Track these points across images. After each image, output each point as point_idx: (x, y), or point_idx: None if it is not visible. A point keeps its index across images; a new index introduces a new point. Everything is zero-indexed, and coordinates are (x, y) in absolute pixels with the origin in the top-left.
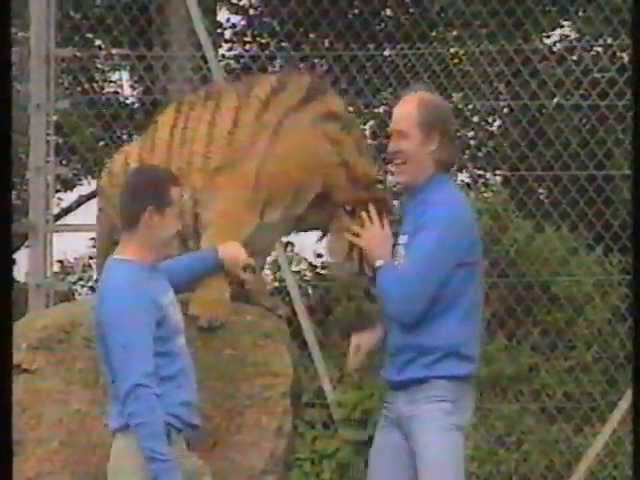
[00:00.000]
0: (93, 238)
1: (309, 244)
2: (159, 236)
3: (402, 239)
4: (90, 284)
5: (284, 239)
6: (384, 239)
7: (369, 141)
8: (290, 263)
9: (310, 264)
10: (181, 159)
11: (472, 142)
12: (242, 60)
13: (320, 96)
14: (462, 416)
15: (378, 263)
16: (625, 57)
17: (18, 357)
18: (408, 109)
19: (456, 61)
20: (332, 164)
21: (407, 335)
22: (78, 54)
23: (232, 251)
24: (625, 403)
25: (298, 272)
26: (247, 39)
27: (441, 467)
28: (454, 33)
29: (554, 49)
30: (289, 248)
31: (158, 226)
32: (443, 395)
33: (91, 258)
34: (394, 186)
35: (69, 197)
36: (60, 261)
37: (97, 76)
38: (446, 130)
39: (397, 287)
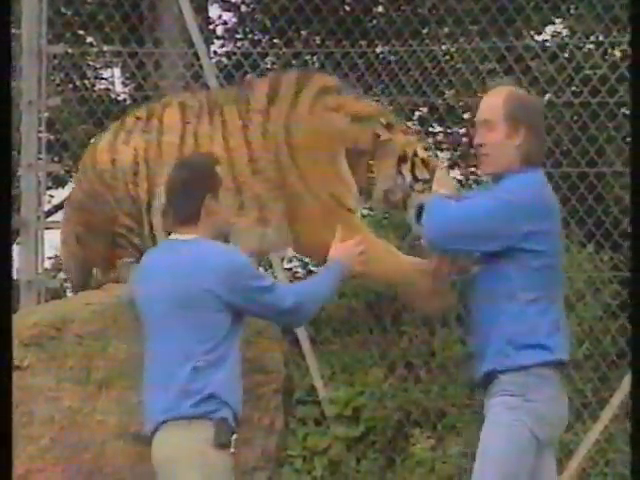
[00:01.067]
0: None
1: None
2: (220, 223)
3: None
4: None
5: None
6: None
7: None
8: (282, 260)
9: (302, 261)
10: None
11: (464, 139)
12: (234, 57)
13: (308, 81)
14: (533, 413)
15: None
16: (617, 54)
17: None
18: (496, 101)
19: (448, 58)
20: (346, 128)
21: (477, 328)
22: (70, 51)
23: (343, 251)
24: (616, 400)
25: (290, 269)
26: (239, 36)
27: (483, 463)
28: (446, 30)
29: (546, 46)
30: None
31: (217, 210)
32: (511, 389)
33: None
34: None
35: (60, 194)
36: (51, 258)
37: (89, 73)
38: (533, 125)
39: (442, 210)
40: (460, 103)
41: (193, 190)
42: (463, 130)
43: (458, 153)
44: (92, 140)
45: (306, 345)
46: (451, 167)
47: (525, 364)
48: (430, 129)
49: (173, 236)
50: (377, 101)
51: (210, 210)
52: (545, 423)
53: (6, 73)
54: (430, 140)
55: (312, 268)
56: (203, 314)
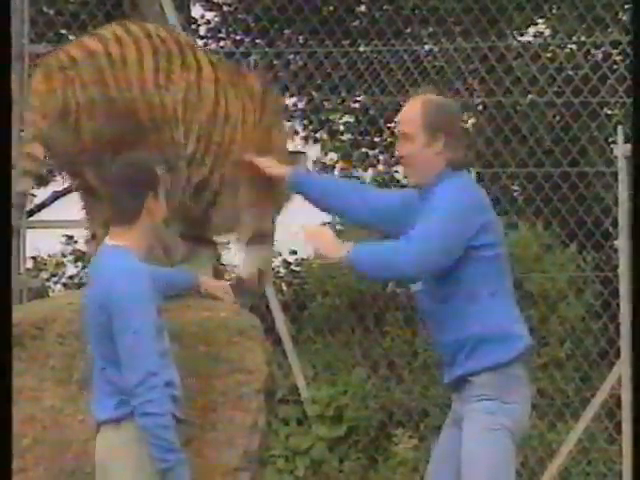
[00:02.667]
0: (66, 235)
1: (283, 241)
2: (158, 220)
3: None
4: (64, 281)
5: None
6: (322, 231)
7: (345, 137)
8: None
9: (284, 260)
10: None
11: None
12: (216, 56)
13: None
14: (511, 415)
15: (344, 252)
16: (599, 54)
17: None
18: (412, 111)
19: (430, 58)
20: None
21: (440, 334)
22: (52, 50)
23: (215, 289)
24: (598, 399)
25: (272, 269)
26: (221, 35)
27: (473, 472)
28: (429, 30)
29: (528, 46)
30: None
31: (157, 210)
32: (486, 392)
33: (64, 256)
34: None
35: (43, 193)
36: (33, 257)
37: None
38: (452, 131)
39: (406, 245)
40: None
41: (135, 189)
42: None
43: None
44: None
45: (288, 344)
46: None
47: (500, 362)
48: None
49: (107, 239)
50: (359, 100)
51: (150, 209)
52: (521, 424)
53: (6, 73)
54: None
55: (295, 268)
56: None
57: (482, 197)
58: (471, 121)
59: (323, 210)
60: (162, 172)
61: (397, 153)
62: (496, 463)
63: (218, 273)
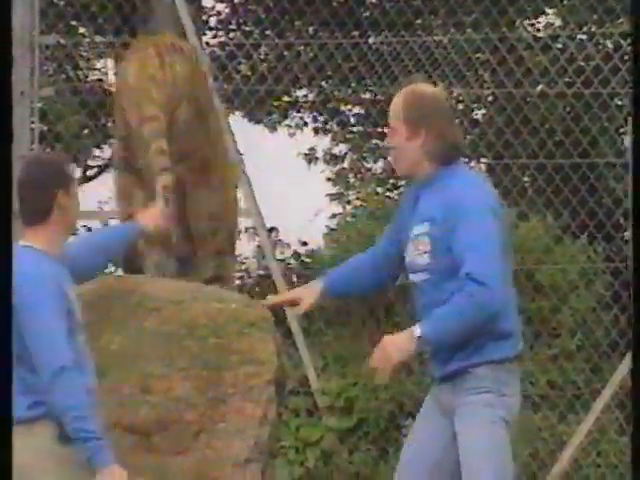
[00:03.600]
0: (85, 226)
1: (293, 230)
2: (71, 219)
3: (419, 229)
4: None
5: (268, 225)
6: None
7: (356, 128)
8: (273, 248)
9: (295, 252)
10: None
11: None
12: (227, 48)
13: None
14: (508, 408)
15: (418, 332)
16: (610, 45)
17: None
18: (396, 104)
19: (441, 49)
20: None
21: None
22: (62, 41)
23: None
24: (609, 391)
25: (282, 260)
26: (232, 27)
27: (480, 463)
28: (439, 21)
29: (539, 37)
30: (273, 234)
31: (68, 207)
32: (487, 385)
33: None
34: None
35: None
36: None
37: (81, 64)
38: (433, 125)
39: (478, 290)
40: (453, 94)
41: (43, 187)
42: (456, 121)
43: None
44: (85, 131)
45: (299, 336)
46: None
47: (501, 357)
48: None
49: (21, 240)
50: (370, 91)
51: (62, 206)
52: (514, 417)
53: (6, 71)
54: None
55: (305, 259)
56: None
57: (493, 192)
58: (481, 112)
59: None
60: (72, 169)
61: (386, 142)
62: (499, 456)
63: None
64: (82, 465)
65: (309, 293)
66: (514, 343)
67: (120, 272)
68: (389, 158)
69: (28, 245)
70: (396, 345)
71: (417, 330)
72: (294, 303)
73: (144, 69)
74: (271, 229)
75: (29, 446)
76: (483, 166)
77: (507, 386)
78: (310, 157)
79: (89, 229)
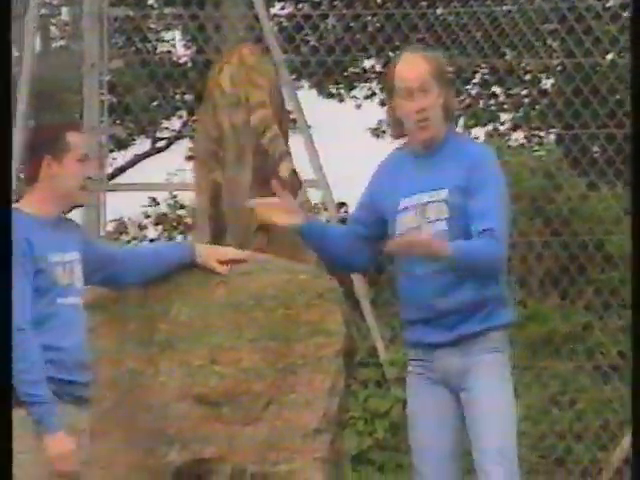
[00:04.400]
0: (151, 198)
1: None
2: (61, 186)
3: (434, 195)
4: (144, 243)
5: (336, 200)
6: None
7: None
8: (342, 222)
9: None
10: None
11: (525, 100)
12: (294, 19)
13: None
14: (509, 368)
15: (449, 251)
16: None
17: None
18: (420, 64)
19: (509, 19)
20: None
21: (452, 295)
22: (131, 13)
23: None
24: None
25: None
26: None
27: (501, 417)
28: None
29: (607, 6)
30: (343, 209)
31: (58, 175)
32: (498, 346)
33: (147, 217)
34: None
35: (123, 157)
36: (114, 221)
37: (150, 36)
38: (449, 84)
39: (493, 246)
40: (521, 64)
41: (33, 150)
42: (525, 91)
43: (520, 114)
44: (153, 103)
45: (367, 307)
46: (513, 129)
47: (508, 321)
48: (491, 91)
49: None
50: None
51: (49, 174)
52: None
53: (6, 69)
54: (491, 102)
55: None
56: None
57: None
58: (550, 82)
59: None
60: (77, 137)
61: (415, 109)
62: (513, 413)
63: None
64: (36, 431)
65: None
66: (513, 309)
67: None
68: (414, 123)
69: (15, 207)
70: (429, 248)
71: (449, 249)
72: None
73: (244, 61)
74: (341, 204)
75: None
76: (552, 136)
77: (508, 347)
78: (378, 131)
79: (157, 202)
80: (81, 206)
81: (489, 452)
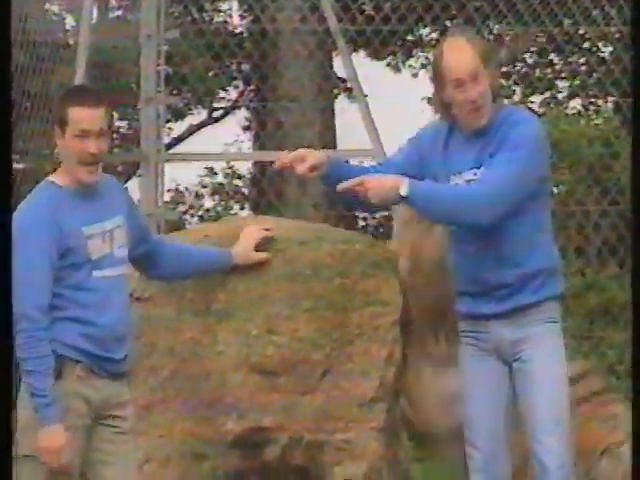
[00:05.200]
0: (208, 168)
1: None
2: (65, 157)
3: (465, 176)
4: (200, 213)
5: None
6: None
7: None
8: None
9: None
10: None
11: (583, 68)
12: None
13: None
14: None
15: (404, 190)
16: None
17: (131, 286)
18: (468, 52)
19: None
20: None
21: (504, 268)
22: None
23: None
24: None
25: None
26: None
27: (555, 388)
28: None
29: None
30: None
31: (61, 148)
32: (553, 316)
33: (204, 187)
34: None
35: (180, 126)
36: (170, 190)
37: (206, 6)
38: (494, 61)
39: (487, 192)
40: (579, 32)
41: (52, 123)
42: (582, 59)
43: (577, 82)
44: (210, 73)
45: None
46: (570, 97)
47: (560, 292)
48: (548, 59)
49: None
50: (490, 33)
51: (60, 145)
52: None
53: (6, 69)
54: (548, 70)
55: None
56: None
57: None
58: (608, 50)
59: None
60: (80, 112)
61: (471, 97)
62: (567, 384)
63: None
64: (68, 398)
65: (315, 155)
66: (562, 279)
67: None
68: (468, 112)
69: (49, 179)
70: (384, 187)
71: (405, 188)
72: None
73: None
74: None
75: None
76: (610, 104)
77: (560, 319)
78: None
79: (214, 172)
80: (85, 184)
81: (544, 423)
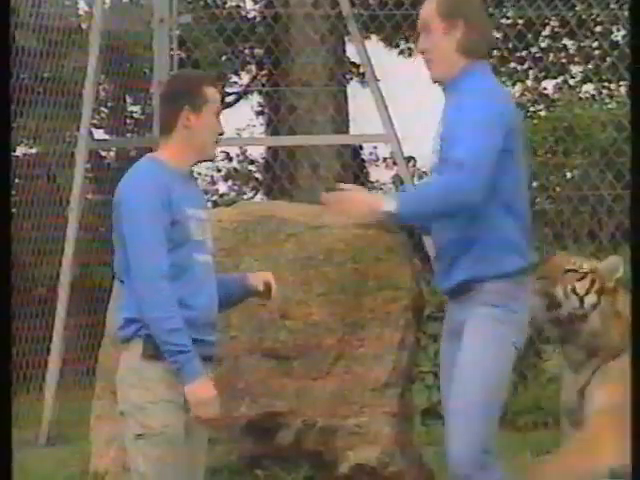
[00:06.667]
0: (224, 152)
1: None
2: (197, 137)
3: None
4: (214, 198)
5: (407, 154)
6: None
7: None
8: (412, 178)
9: (425, 174)
10: None
11: (596, 53)
12: None
13: None
14: (518, 326)
15: (390, 206)
16: None
17: None
18: (430, 3)
19: None
20: None
21: (447, 231)
22: None
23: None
24: None
25: None
26: None
27: (471, 383)
28: None
29: None
30: (411, 163)
31: (195, 126)
32: (493, 299)
33: (218, 171)
34: None
35: None
36: None
37: None
38: (469, 18)
39: (465, 175)
40: (592, 16)
41: (171, 100)
42: (595, 44)
43: (590, 67)
44: (223, 57)
45: (435, 262)
46: (584, 81)
47: (510, 269)
48: (561, 43)
49: None
50: (508, 17)
51: (186, 124)
52: (523, 332)
53: (6, 69)
54: (562, 54)
55: None
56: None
57: (506, 104)
58: (621, 34)
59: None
60: (214, 91)
61: (418, 48)
62: (492, 372)
63: None
64: (164, 382)
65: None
66: (523, 254)
67: None
68: (425, 63)
69: (151, 156)
70: (363, 207)
71: (390, 204)
72: None
73: None
74: (409, 158)
75: (123, 361)
76: (623, 89)
77: (516, 300)
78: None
79: (229, 157)
80: (211, 160)
81: (454, 415)
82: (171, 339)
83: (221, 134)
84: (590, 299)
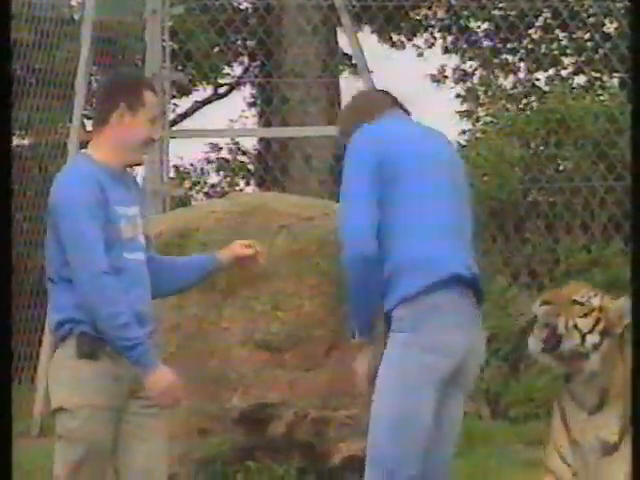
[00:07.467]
0: (211, 144)
1: None
2: (128, 137)
3: None
4: (205, 190)
5: None
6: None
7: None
8: None
9: None
10: None
11: (588, 44)
12: None
13: None
14: (431, 346)
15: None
16: None
17: None
18: None
19: None
20: None
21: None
22: None
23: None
24: None
25: None
26: None
27: (378, 403)
28: None
29: None
30: None
31: (129, 125)
32: (398, 325)
33: (210, 162)
34: None
35: (185, 103)
36: (176, 166)
37: None
38: None
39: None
40: (584, 7)
41: (108, 96)
42: (587, 35)
43: (582, 58)
44: (215, 49)
45: None
46: (576, 73)
47: (414, 291)
48: (553, 35)
49: None
50: (500, 8)
51: (121, 122)
52: (438, 352)
53: (6, 69)
54: (554, 46)
55: None
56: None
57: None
58: (614, 26)
59: None
60: (153, 98)
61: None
62: (400, 397)
63: None
64: (96, 382)
65: None
66: (423, 276)
67: None
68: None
69: (83, 152)
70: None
71: (356, 336)
72: None
73: None
74: None
75: (56, 359)
76: (616, 80)
77: (425, 322)
78: (437, 78)
79: (219, 148)
80: (138, 164)
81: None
82: (125, 334)
83: (154, 141)
84: (592, 338)
